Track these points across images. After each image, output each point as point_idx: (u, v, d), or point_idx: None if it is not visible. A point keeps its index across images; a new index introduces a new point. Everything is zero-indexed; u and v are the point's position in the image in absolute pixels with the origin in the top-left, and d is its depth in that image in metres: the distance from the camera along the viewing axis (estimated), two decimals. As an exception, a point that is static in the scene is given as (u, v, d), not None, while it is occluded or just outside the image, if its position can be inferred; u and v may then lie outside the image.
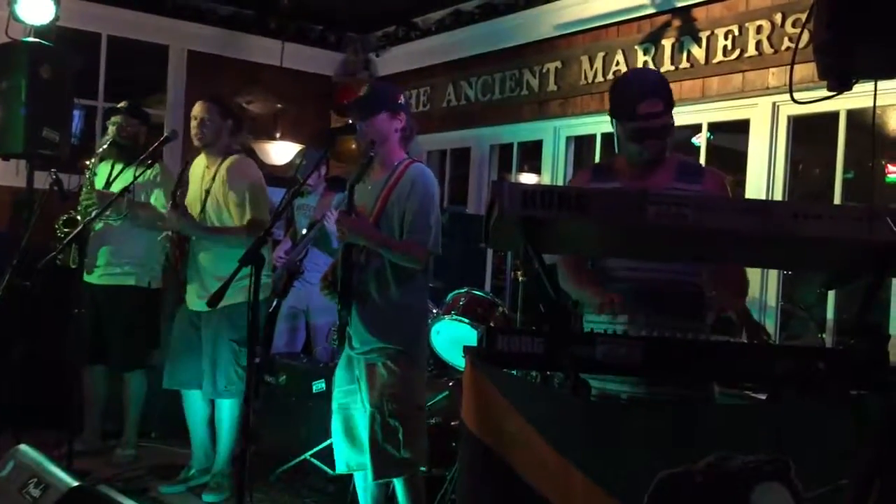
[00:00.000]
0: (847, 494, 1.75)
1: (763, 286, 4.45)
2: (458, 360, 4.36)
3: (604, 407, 2.38)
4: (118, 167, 4.65)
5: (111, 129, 4.72)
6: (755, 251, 2.18)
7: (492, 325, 4.21)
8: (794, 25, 4.28)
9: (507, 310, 4.47)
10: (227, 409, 4.26)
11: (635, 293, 2.60)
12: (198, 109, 4.22)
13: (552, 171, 5.90)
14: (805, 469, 1.77)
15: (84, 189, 4.67)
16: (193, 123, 4.21)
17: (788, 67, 2.40)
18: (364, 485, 3.52)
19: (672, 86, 2.77)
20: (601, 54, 5.37)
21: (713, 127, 4.98)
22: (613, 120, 2.76)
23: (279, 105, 6.93)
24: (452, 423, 4.04)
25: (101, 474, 4.37)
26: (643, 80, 2.75)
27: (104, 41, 6.37)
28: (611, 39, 5.37)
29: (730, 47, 4.62)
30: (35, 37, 4.64)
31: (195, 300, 4.25)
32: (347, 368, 3.45)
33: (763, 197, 4.44)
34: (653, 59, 5.02)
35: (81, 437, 4.67)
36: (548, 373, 2.28)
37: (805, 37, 2.18)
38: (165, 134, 4.33)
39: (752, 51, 4.50)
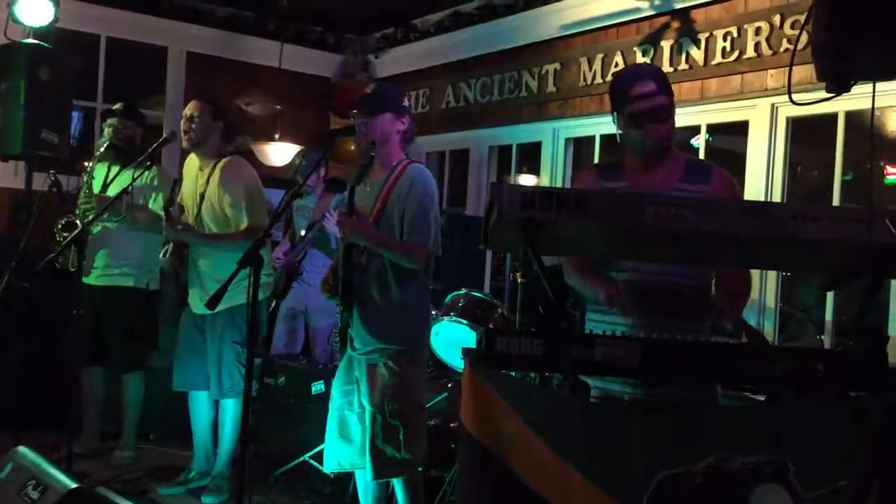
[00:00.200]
0: (846, 495, 1.75)
1: (762, 288, 4.45)
2: (457, 362, 4.36)
3: (603, 408, 2.38)
4: (115, 169, 4.65)
5: (107, 132, 4.72)
6: (754, 252, 2.18)
7: (491, 326, 4.21)
8: (792, 27, 4.28)
9: (506, 311, 4.47)
10: (231, 410, 4.26)
11: (637, 294, 2.59)
12: (189, 107, 4.22)
13: (551, 173, 5.90)
14: (804, 470, 1.77)
15: (82, 193, 4.67)
16: (183, 121, 4.20)
17: (787, 69, 2.40)
18: (365, 485, 3.53)
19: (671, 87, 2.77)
20: (600, 56, 5.38)
21: (712, 128, 4.99)
22: (614, 114, 2.76)
23: (278, 106, 6.93)
24: (451, 425, 4.04)
25: (99, 476, 4.36)
26: (635, 68, 2.77)
27: (103, 42, 6.37)
28: (610, 41, 5.37)
29: (728, 49, 4.62)
30: (34, 38, 4.64)
31: (197, 303, 4.25)
32: (347, 369, 3.46)
33: (762, 198, 4.44)
34: (651, 61, 5.02)
35: (80, 439, 4.66)
36: (547, 374, 2.27)
37: (804, 38, 2.19)
38: (164, 135, 4.33)
39: (750, 52, 4.50)
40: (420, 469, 3.45)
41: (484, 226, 2.03)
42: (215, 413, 4.35)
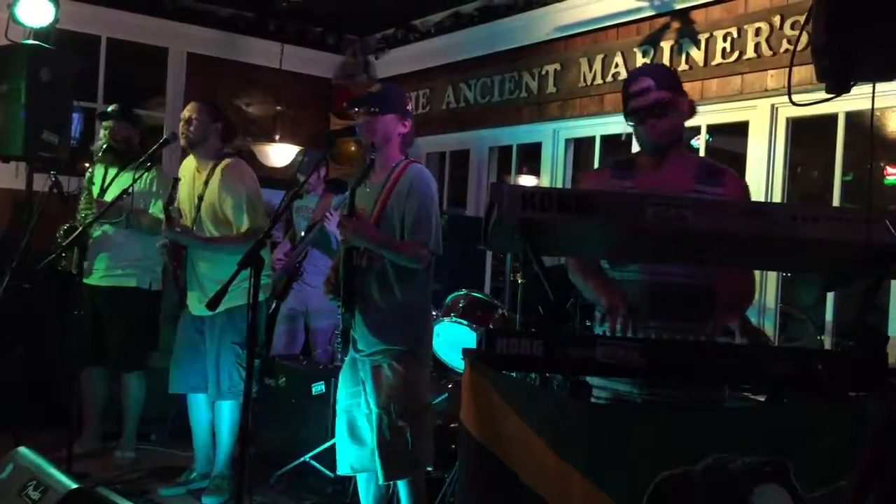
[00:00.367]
0: (845, 496, 1.75)
1: (762, 288, 4.45)
2: (458, 363, 4.37)
3: (603, 409, 2.38)
4: (112, 171, 4.65)
5: (103, 134, 4.71)
6: (754, 253, 2.18)
7: (491, 327, 4.21)
8: (792, 27, 4.28)
9: (506, 312, 4.47)
10: (228, 412, 4.26)
11: (646, 295, 2.59)
12: (187, 109, 4.24)
13: (551, 173, 5.91)
14: (804, 471, 1.77)
15: (83, 198, 4.68)
16: (181, 123, 4.21)
17: (787, 69, 2.41)
18: (366, 486, 3.53)
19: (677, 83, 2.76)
20: (600, 56, 5.38)
21: (712, 129, 4.99)
22: (625, 115, 2.77)
23: (278, 107, 6.94)
24: (452, 425, 4.04)
25: (100, 476, 4.36)
26: (638, 68, 2.78)
27: (104, 43, 6.38)
28: (610, 42, 5.38)
29: (728, 49, 4.62)
30: (35, 39, 4.64)
31: (197, 305, 4.25)
32: (352, 371, 3.45)
33: (762, 199, 4.44)
34: (652, 62, 5.03)
35: (81, 440, 4.67)
36: (547, 375, 2.27)
37: (804, 39, 2.19)
38: (164, 136, 4.33)
39: (750, 53, 4.51)
40: (430, 469, 3.46)
41: (484, 226, 2.03)
42: (214, 414, 4.35)
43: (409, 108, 3.49)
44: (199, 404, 4.34)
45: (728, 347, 2.14)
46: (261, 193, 4.29)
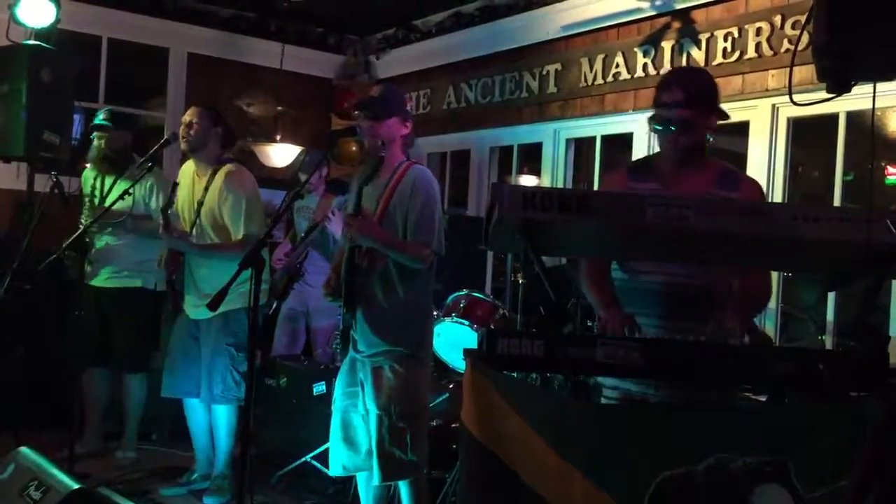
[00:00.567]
0: (845, 495, 1.75)
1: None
2: (459, 363, 4.37)
3: (604, 408, 2.38)
4: (109, 180, 4.64)
5: (99, 144, 4.68)
6: (755, 253, 2.18)
7: (492, 327, 4.22)
8: (793, 27, 4.29)
9: (507, 312, 4.47)
10: (224, 415, 4.25)
11: (657, 295, 2.59)
12: (188, 114, 4.24)
13: (552, 174, 5.91)
14: (805, 471, 1.77)
15: (85, 209, 4.68)
16: (182, 127, 4.21)
17: (788, 69, 2.40)
18: (366, 486, 3.52)
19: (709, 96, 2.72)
20: (601, 56, 5.38)
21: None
22: (650, 119, 2.75)
23: (279, 107, 6.94)
24: (453, 426, 4.04)
25: (101, 477, 4.36)
26: (676, 73, 2.73)
27: (105, 44, 6.38)
28: (611, 42, 5.38)
29: (729, 49, 4.62)
30: (36, 40, 4.64)
31: (193, 309, 4.25)
32: (350, 371, 3.44)
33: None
34: (652, 61, 5.03)
35: (82, 440, 4.67)
36: (548, 375, 2.28)
37: (804, 39, 2.19)
38: (165, 137, 4.33)
39: (751, 53, 4.51)
40: (425, 471, 3.46)
41: (485, 226, 2.03)
42: (211, 416, 4.35)
43: (409, 108, 3.51)
44: (195, 407, 4.33)
45: (728, 347, 2.14)
46: (260, 200, 4.29)
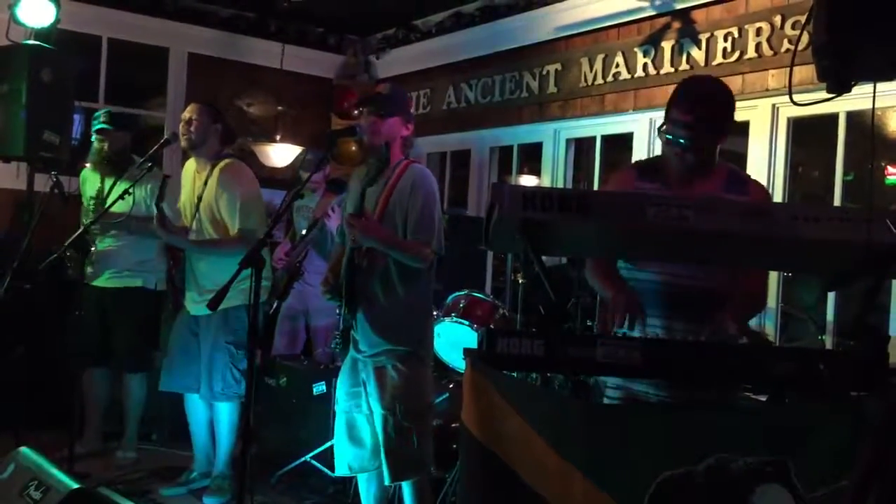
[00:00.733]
0: (846, 495, 1.75)
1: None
2: (459, 363, 4.37)
3: (604, 408, 2.38)
4: (109, 181, 4.64)
5: (99, 146, 4.68)
6: (755, 253, 2.18)
7: (492, 327, 4.22)
8: (793, 27, 4.28)
9: (507, 312, 4.47)
10: (226, 413, 4.26)
11: (659, 295, 2.59)
12: (187, 111, 4.25)
13: (552, 173, 5.91)
14: (806, 470, 1.77)
15: (89, 209, 4.67)
16: (181, 124, 4.22)
17: (788, 69, 2.40)
18: (367, 486, 3.52)
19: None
20: (601, 56, 5.38)
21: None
22: (660, 127, 2.72)
23: (279, 107, 6.94)
24: (453, 425, 4.04)
25: (101, 476, 4.37)
26: (692, 90, 2.66)
27: (105, 44, 6.38)
28: (611, 41, 5.38)
29: (729, 49, 4.62)
30: (36, 40, 4.63)
31: (192, 305, 4.26)
32: (352, 372, 3.44)
33: (763, 199, 4.44)
34: (652, 62, 5.03)
35: (82, 440, 4.68)
36: (548, 374, 2.28)
37: (804, 39, 2.19)
38: (165, 136, 4.33)
39: (751, 53, 4.51)
40: (431, 469, 3.46)
41: (485, 226, 2.03)
42: (212, 413, 4.35)
43: (412, 111, 3.52)
44: (196, 404, 4.34)
45: (728, 348, 2.14)
46: (259, 195, 4.29)
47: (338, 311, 3.45)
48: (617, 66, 5.26)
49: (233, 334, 4.16)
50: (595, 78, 5.42)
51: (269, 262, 4.55)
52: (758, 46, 4.47)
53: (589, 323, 4.41)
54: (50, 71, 4.55)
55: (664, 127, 2.63)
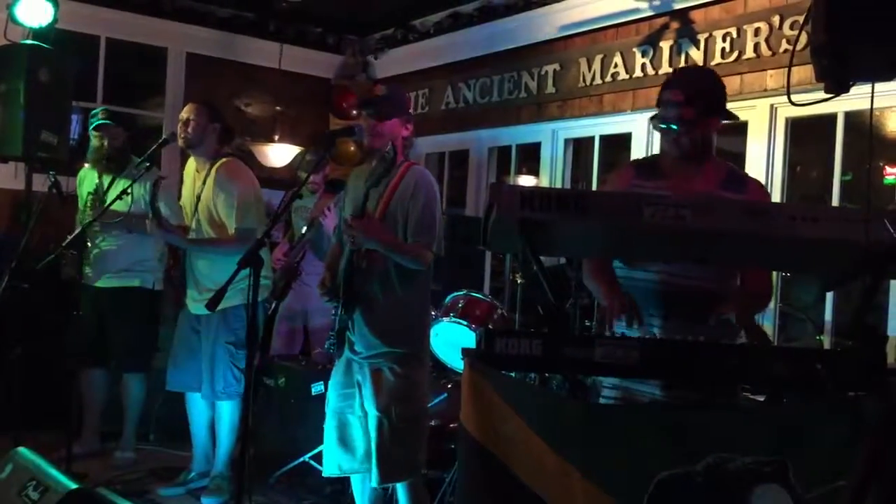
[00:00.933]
0: (844, 495, 1.75)
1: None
2: (457, 363, 4.37)
3: (602, 409, 2.38)
4: (107, 179, 4.64)
5: (99, 143, 4.67)
6: (753, 253, 2.18)
7: (490, 327, 4.21)
8: (792, 28, 4.29)
9: (505, 312, 4.47)
10: (227, 412, 4.26)
11: (656, 294, 2.59)
12: (185, 111, 4.26)
13: (550, 174, 5.91)
14: (804, 470, 1.78)
15: (88, 208, 4.67)
16: (179, 124, 4.22)
17: (786, 69, 2.41)
18: (361, 488, 3.51)
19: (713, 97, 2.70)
20: (599, 57, 5.38)
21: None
22: (652, 118, 2.74)
23: (278, 107, 6.93)
24: (451, 426, 4.04)
25: (99, 477, 4.36)
26: (681, 72, 2.70)
27: (103, 44, 6.37)
28: (609, 42, 5.38)
29: (728, 49, 4.62)
30: (34, 39, 4.63)
31: (193, 304, 4.26)
32: (346, 373, 3.41)
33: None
34: (651, 62, 5.03)
35: (80, 440, 4.67)
36: (546, 375, 2.28)
37: (803, 39, 2.19)
38: (164, 136, 4.33)
39: (750, 53, 4.51)
40: (424, 472, 3.45)
41: (483, 226, 2.03)
42: (213, 413, 4.36)
43: (410, 110, 3.53)
44: (197, 403, 4.35)
45: (727, 348, 2.14)
46: (258, 194, 4.29)
47: (334, 311, 3.43)
48: (615, 66, 5.27)
49: (232, 334, 4.17)
50: (593, 78, 5.42)
51: (269, 262, 4.55)
52: (756, 47, 4.47)
53: (587, 323, 4.41)
54: (48, 71, 4.54)
55: (657, 116, 2.65)
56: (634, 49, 5.14)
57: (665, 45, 4.97)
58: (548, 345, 1.85)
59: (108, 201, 4.29)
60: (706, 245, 2.06)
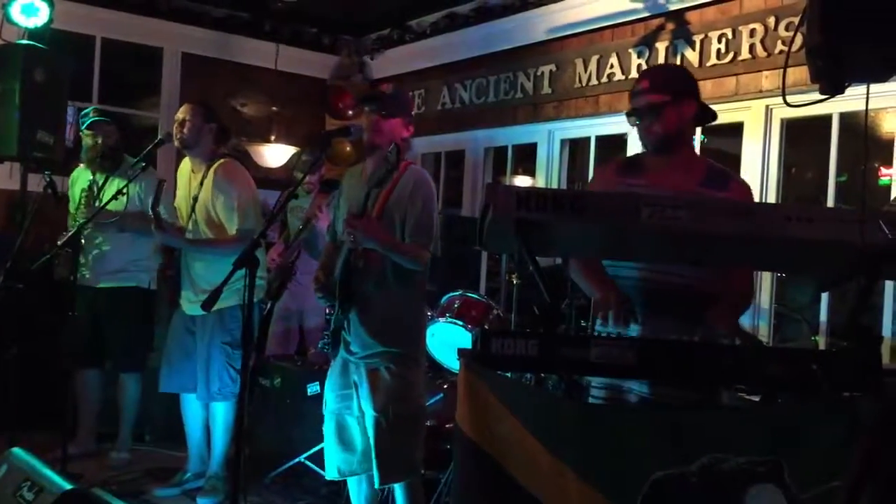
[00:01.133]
0: (839, 495, 1.76)
1: (757, 289, 4.46)
2: (453, 363, 4.37)
3: (597, 409, 2.38)
4: (101, 177, 4.63)
5: (92, 142, 4.66)
6: (749, 253, 2.18)
7: (486, 327, 4.22)
8: (787, 29, 4.30)
9: (501, 312, 4.47)
10: (221, 413, 4.26)
11: (643, 293, 2.60)
12: (181, 111, 4.25)
13: (546, 174, 5.91)
14: (798, 470, 1.78)
15: (81, 207, 4.66)
16: (175, 125, 4.22)
17: (781, 70, 2.41)
18: (357, 489, 3.51)
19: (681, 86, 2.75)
20: (595, 57, 5.39)
21: (707, 130, 4.99)
22: (627, 114, 2.79)
23: (273, 108, 6.93)
24: (447, 426, 4.04)
25: (95, 477, 4.36)
26: (648, 68, 2.76)
27: (98, 44, 6.37)
28: (605, 43, 5.39)
29: (723, 50, 4.63)
30: (29, 39, 4.62)
31: (188, 304, 4.25)
32: (342, 373, 3.41)
33: (756, 200, 4.45)
34: (647, 62, 5.04)
35: (75, 441, 4.66)
36: (542, 375, 2.28)
37: (798, 40, 2.20)
38: (159, 136, 4.33)
39: (745, 54, 4.52)
40: (422, 471, 3.45)
41: (479, 227, 2.03)
42: (207, 414, 4.35)
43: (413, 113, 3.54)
44: (192, 404, 4.34)
45: (722, 348, 2.14)
46: (256, 195, 4.29)
47: (328, 311, 3.43)
48: (611, 67, 5.27)
49: (228, 334, 4.16)
50: (589, 79, 5.42)
51: (264, 262, 4.55)
52: (752, 48, 4.48)
53: (583, 323, 4.42)
54: (43, 71, 4.54)
55: (629, 110, 2.70)
56: (630, 50, 5.15)
57: (661, 46, 4.98)
58: (544, 345, 1.85)
59: (104, 201, 4.29)
60: (703, 246, 2.06)
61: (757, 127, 4.58)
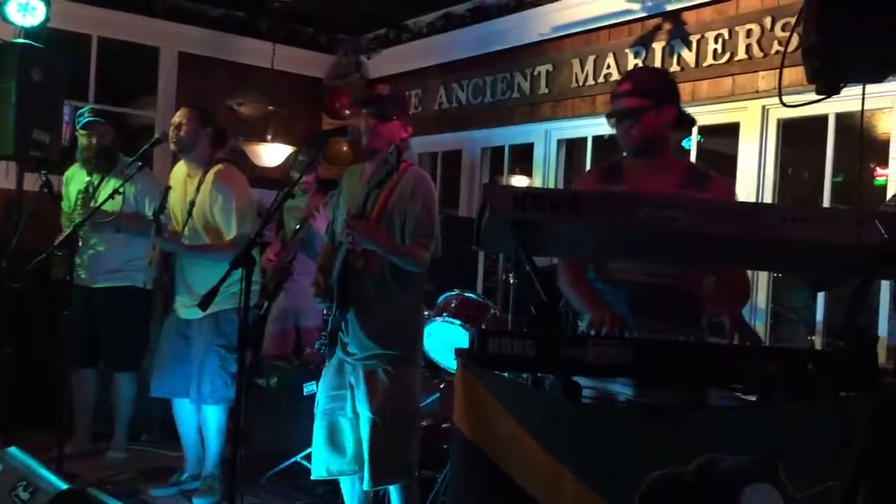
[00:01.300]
0: (835, 495, 1.76)
1: (753, 289, 4.47)
2: (450, 362, 4.36)
3: (595, 409, 2.38)
4: (97, 177, 4.62)
5: (87, 141, 4.64)
6: (745, 254, 2.19)
7: (483, 327, 4.22)
8: (783, 29, 4.30)
9: (498, 312, 4.47)
10: (213, 416, 4.24)
11: (633, 296, 2.60)
12: (177, 115, 4.24)
13: (543, 174, 5.91)
14: (795, 470, 1.78)
15: (77, 206, 4.66)
16: (171, 128, 4.21)
17: (778, 71, 2.42)
18: (351, 490, 3.49)
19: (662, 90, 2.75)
20: (592, 57, 5.39)
21: (703, 130, 5.00)
22: (607, 117, 2.78)
23: (270, 107, 6.91)
24: (444, 426, 4.04)
25: (90, 477, 4.35)
26: (630, 70, 2.75)
27: (94, 43, 6.36)
28: (602, 43, 5.39)
29: (720, 51, 4.64)
30: (26, 38, 4.62)
31: (183, 309, 4.24)
32: (337, 374, 3.38)
33: (753, 200, 4.46)
34: (643, 63, 5.04)
35: (71, 440, 4.65)
36: (539, 375, 2.27)
37: (794, 40, 2.21)
38: (156, 136, 4.32)
39: (741, 54, 4.52)
40: (416, 474, 3.44)
41: (476, 227, 2.03)
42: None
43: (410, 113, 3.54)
44: (184, 407, 4.32)
45: (719, 347, 2.15)
46: (251, 200, 4.29)
47: (326, 312, 3.42)
48: (608, 67, 5.27)
49: (224, 337, 4.15)
50: (586, 79, 5.43)
51: (259, 264, 4.54)
52: (748, 48, 4.49)
53: (579, 323, 4.41)
54: (40, 70, 4.54)
55: (609, 112, 2.69)
56: (627, 50, 5.15)
57: (657, 47, 4.98)
58: (541, 345, 1.85)
59: (101, 200, 4.28)
60: (699, 246, 2.07)
61: (753, 127, 4.59)
